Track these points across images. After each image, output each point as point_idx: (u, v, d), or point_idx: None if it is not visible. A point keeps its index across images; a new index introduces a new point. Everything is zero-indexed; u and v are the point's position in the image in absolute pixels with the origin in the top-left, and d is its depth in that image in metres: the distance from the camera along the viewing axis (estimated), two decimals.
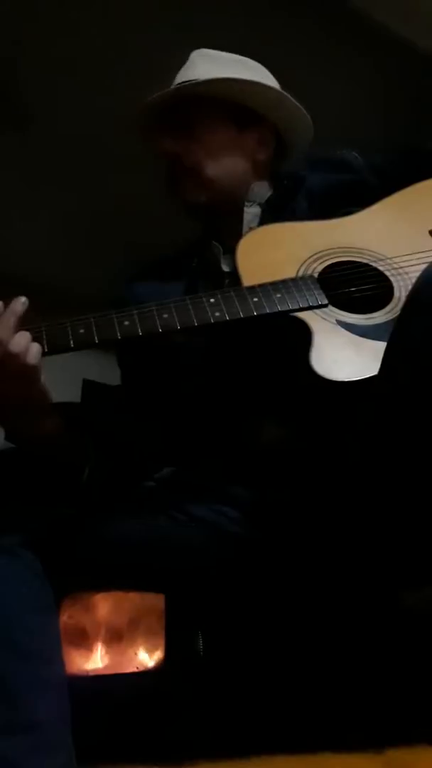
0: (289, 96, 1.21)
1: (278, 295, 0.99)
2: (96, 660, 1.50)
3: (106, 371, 1.36)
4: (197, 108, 1.19)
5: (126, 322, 0.95)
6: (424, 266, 0.86)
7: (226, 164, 1.20)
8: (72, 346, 0.93)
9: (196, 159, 1.18)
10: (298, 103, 1.22)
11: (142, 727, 1.24)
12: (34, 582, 0.90)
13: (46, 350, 0.91)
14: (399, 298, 1.01)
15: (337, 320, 0.98)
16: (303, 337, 0.96)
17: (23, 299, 0.91)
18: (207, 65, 1.21)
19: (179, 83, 1.20)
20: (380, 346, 0.88)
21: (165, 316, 0.96)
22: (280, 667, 1.21)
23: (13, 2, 1.90)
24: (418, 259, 1.05)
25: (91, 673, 1.47)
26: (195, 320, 0.96)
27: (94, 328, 0.94)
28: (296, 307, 0.98)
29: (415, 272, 0.99)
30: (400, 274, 1.04)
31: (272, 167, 1.26)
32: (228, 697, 1.21)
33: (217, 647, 1.25)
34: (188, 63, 1.24)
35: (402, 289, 1.01)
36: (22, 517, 0.92)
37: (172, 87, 1.20)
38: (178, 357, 1.11)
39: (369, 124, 2.07)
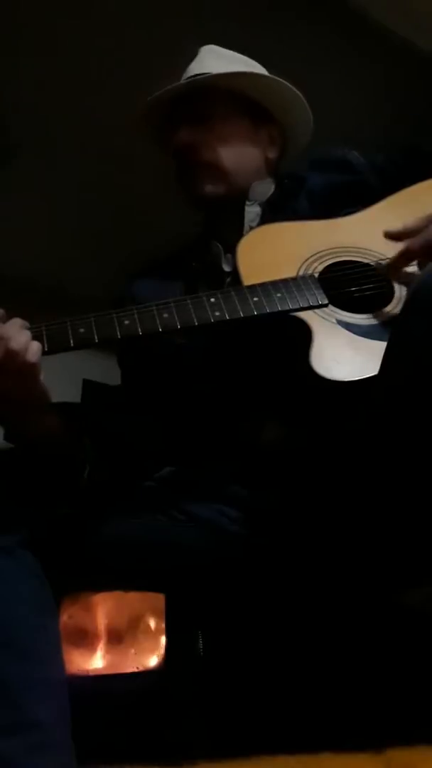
0: (302, 98, 1.21)
1: (278, 295, 0.99)
2: (96, 660, 1.50)
3: (106, 371, 1.36)
4: (213, 100, 1.19)
5: (126, 322, 0.95)
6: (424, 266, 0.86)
7: (242, 156, 1.20)
8: (72, 345, 0.92)
9: (213, 150, 1.17)
10: (308, 107, 1.22)
11: (142, 727, 1.24)
12: (34, 582, 0.90)
13: (46, 349, 0.91)
14: (399, 298, 1.00)
15: (337, 320, 0.98)
16: (303, 336, 0.96)
17: None
18: (218, 61, 1.21)
19: (191, 76, 1.20)
20: (380, 346, 0.88)
21: (165, 315, 0.96)
22: (280, 667, 1.21)
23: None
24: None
25: (91, 673, 1.47)
26: (195, 320, 0.96)
27: (94, 327, 0.94)
28: (296, 306, 0.98)
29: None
30: None
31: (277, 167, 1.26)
32: (228, 697, 1.21)
33: (217, 647, 1.25)
34: (198, 57, 1.23)
35: (402, 289, 1.01)
36: (22, 517, 0.92)
37: (186, 79, 1.20)
38: (178, 357, 1.11)
39: (370, 124, 2.07)
